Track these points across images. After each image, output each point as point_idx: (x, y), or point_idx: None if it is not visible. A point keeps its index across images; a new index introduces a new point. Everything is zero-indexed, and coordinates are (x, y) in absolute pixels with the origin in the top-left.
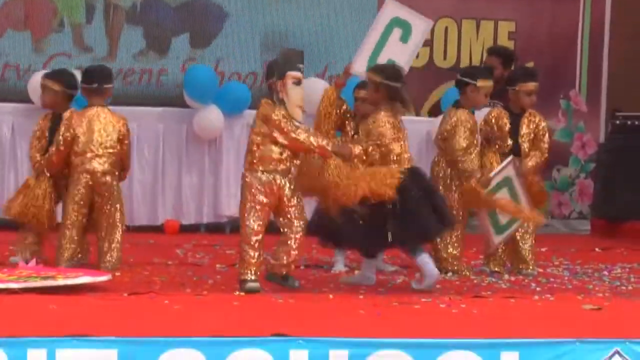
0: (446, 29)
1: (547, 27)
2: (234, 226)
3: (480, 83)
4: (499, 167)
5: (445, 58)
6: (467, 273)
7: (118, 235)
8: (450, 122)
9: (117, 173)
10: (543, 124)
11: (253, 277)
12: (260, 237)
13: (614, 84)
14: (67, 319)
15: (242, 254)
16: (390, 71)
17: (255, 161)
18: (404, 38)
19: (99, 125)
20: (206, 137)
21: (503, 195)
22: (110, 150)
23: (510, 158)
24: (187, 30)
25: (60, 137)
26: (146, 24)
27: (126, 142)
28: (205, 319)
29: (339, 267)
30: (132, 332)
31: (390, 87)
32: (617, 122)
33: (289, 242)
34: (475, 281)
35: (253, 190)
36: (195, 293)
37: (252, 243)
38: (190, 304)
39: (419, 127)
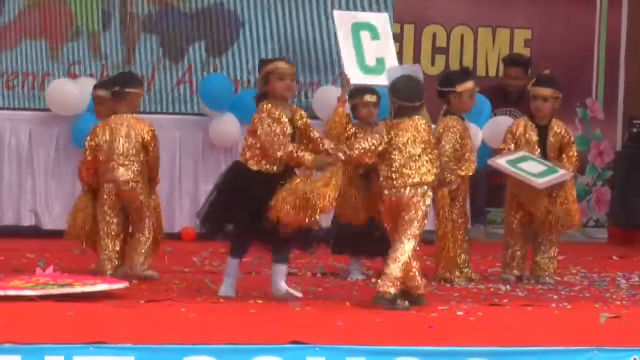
0: (462, 36)
1: (564, 35)
2: None
3: (460, 88)
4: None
5: (461, 66)
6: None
7: (144, 244)
8: (437, 129)
9: (143, 181)
10: (571, 134)
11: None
12: None
13: (631, 91)
14: (84, 326)
15: None
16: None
17: None
18: (375, 36)
19: (121, 133)
20: (222, 145)
21: (530, 164)
22: (134, 159)
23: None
24: (203, 38)
25: (86, 146)
26: (162, 33)
27: (151, 149)
28: (223, 326)
29: (356, 275)
30: (150, 340)
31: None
32: (635, 130)
33: None
34: (492, 289)
35: None
36: (213, 301)
37: None
38: (207, 312)
39: None
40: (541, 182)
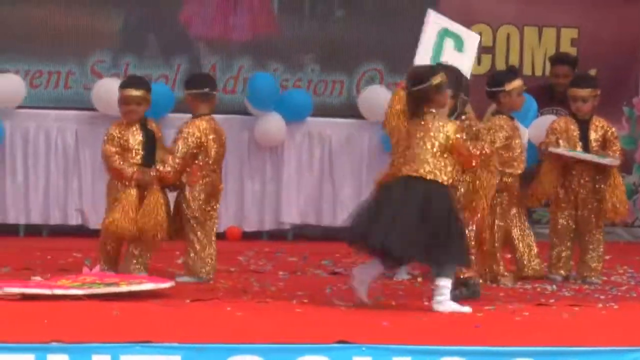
0: (508, 35)
1: (610, 34)
2: (296, 233)
3: (509, 86)
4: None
5: (507, 65)
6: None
7: (215, 246)
8: (484, 128)
9: None
10: (613, 129)
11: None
12: None
13: None
14: (130, 325)
15: None
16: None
17: None
18: (459, 47)
19: (215, 135)
20: (268, 144)
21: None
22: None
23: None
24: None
25: (190, 148)
26: None
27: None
28: (268, 325)
29: (402, 275)
30: (195, 339)
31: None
32: None
33: None
34: (538, 289)
35: None
36: (258, 300)
37: None
38: (253, 311)
39: None
40: (607, 161)
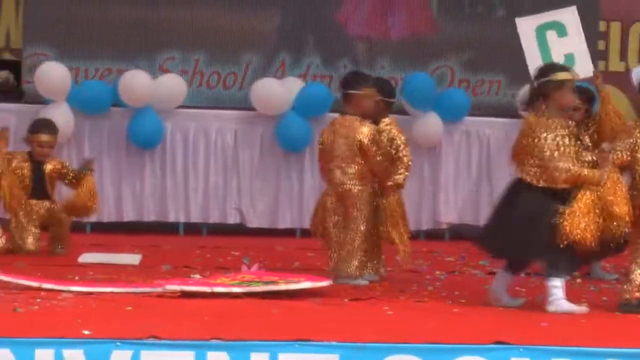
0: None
1: None
2: (453, 233)
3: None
4: None
5: (639, 62)
6: None
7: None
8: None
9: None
10: None
11: None
12: None
13: None
14: (289, 324)
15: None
16: None
17: None
18: (561, 33)
19: None
20: (425, 144)
21: None
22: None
23: None
24: None
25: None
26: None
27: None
28: (425, 325)
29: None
30: (353, 338)
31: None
32: None
33: None
34: None
35: None
36: (415, 299)
37: None
38: (410, 310)
39: None
40: None
